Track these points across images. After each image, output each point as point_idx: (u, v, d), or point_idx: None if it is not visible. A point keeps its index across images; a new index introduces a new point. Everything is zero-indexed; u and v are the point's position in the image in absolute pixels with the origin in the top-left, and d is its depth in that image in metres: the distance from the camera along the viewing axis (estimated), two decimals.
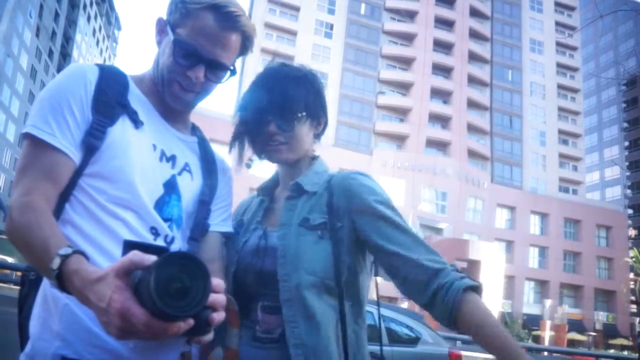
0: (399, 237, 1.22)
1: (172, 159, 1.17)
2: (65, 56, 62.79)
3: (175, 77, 1.14)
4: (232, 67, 1.17)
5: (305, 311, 1.19)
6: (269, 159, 1.37)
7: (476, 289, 1.12)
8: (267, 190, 1.44)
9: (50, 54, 57.71)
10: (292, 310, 1.20)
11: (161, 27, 1.18)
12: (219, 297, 0.79)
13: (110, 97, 1.10)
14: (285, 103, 1.30)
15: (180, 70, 1.13)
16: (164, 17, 1.18)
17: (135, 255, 0.75)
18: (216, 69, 1.15)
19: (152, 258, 0.74)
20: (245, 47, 1.20)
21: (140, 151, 1.10)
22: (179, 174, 1.18)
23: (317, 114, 1.37)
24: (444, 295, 1.12)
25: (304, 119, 1.33)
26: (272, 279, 1.24)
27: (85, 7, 66.96)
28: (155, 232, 1.09)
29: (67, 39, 63.00)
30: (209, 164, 1.26)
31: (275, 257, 1.25)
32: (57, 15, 57.98)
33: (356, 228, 1.25)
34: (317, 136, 1.43)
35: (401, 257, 1.19)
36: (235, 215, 1.46)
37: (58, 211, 1.04)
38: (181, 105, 1.19)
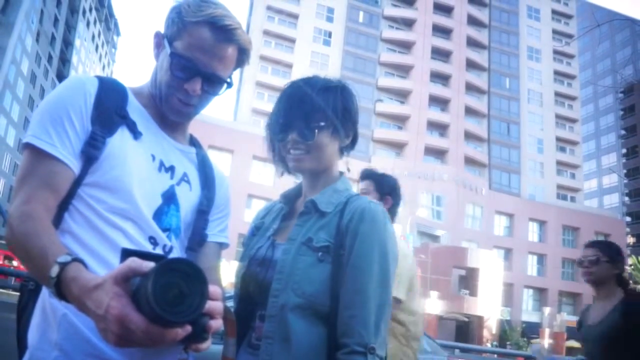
0: (356, 288, 1.20)
1: (170, 169, 1.18)
2: (64, 62, 62.81)
3: (173, 91, 1.15)
4: (228, 80, 1.19)
5: (284, 331, 1.19)
6: (292, 169, 1.37)
7: None
8: (289, 199, 1.43)
9: (50, 59, 57.72)
10: (271, 327, 1.21)
11: (158, 41, 1.19)
12: (216, 305, 0.79)
13: (109, 108, 1.11)
14: (307, 111, 1.30)
15: (178, 83, 1.14)
16: (162, 28, 1.19)
17: (134, 262, 0.75)
18: (213, 81, 1.16)
19: (150, 265, 0.74)
20: (241, 59, 1.21)
21: (139, 161, 1.11)
22: (178, 184, 1.18)
23: (342, 126, 1.34)
24: None
25: (325, 129, 1.32)
26: (267, 291, 1.25)
27: (84, 12, 67.07)
28: (154, 241, 1.10)
29: (67, 45, 63.02)
30: (207, 174, 1.27)
31: (273, 272, 1.26)
32: (56, 20, 58.03)
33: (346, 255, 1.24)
34: (345, 150, 1.41)
35: (349, 304, 1.19)
36: (255, 218, 1.48)
37: (57, 220, 1.05)
38: (179, 117, 1.20)
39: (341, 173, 1.43)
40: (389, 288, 1.24)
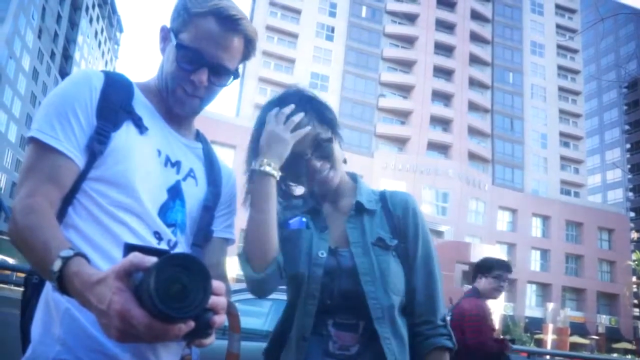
0: (427, 271, 1.37)
1: (176, 164, 1.18)
2: (67, 58, 62.90)
3: (179, 83, 1.14)
4: (235, 71, 1.17)
5: (396, 330, 1.28)
6: (322, 190, 1.38)
7: (449, 349, 1.32)
8: (309, 201, 1.44)
9: (52, 55, 57.78)
10: (384, 328, 1.26)
11: (165, 35, 1.19)
12: (219, 300, 0.78)
13: (115, 103, 1.10)
14: (318, 132, 1.33)
15: (184, 75, 1.13)
16: (166, 23, 1.19)
17: (136, 257, 0.75)
18: (219, 72, 1.15)
19: (152, 260, 0.73)
20: (247, 51, 1.20)
21: (144, 156, 1.10)
22: (184, 179, 1.18)
23: (336, 127, 1.41)
24: (421, 341, 1.33)
25: (334, 139, 1.39)
26: (348, 298, 1.27)
27: (87, 9, 67.09)
28: (158, 236, 1.10)
29: (69, 41, 63.09)
30: (213, 170, 1.26)
31: (353, 277, 1.27)
32: (59, 17, 58.08)
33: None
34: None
35: (424, 288, 1.35)
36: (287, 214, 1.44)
37: (61, 215, 1.04)
38: (186, 111, 1.19)
39: (353, 175, 1.50)
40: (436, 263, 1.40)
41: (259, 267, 1.25)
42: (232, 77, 1.18)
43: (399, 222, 1.36)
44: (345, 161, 1.44)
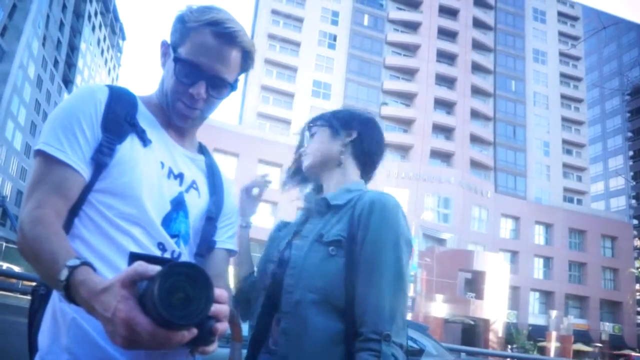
0: (368, 278, 1.23)
1: (179, 176, 1.20)
2: (70, 66, 63.10)
3: (178, 97, 1.17)
4: (233, 83, 1.20)
5: (300, 326, 1.22)
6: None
7: None
8: (310, 199, 1.52)
9: (56, 63, 57.95)
10: (288, 323, 1.24)
11: (165, 50, 1.22)
12: (222, 308, 0.80)
13: (119, 116, 1.13)
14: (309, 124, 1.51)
15: (183, 88, 1.16)
16: (168, 34, 1.22)
17: (140, 265, 0.77)
18: (217, 85, 1.17)
19: (156, 268, 0.75)
20: (246, 63, 1.22)
21: (148, 168, 1.13)
22: (187, 191, 1.20)
23: (339, 123, 1.48)
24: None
25: (318, 128, 1.48)
26: (280, 291, 1.29)
27: (90, 17, 67.37)
28: (162, 247, 1.11)
29: (72, 49, 63.28)
30: (215, 181, 1.28)
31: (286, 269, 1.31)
32: (62, 24, 58.32)
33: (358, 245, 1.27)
34: (358, 157, 1.50)
35: (364, 297, 1.22)
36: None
37: (68, 226, 1.06)
38: (186, 123, 1.21)
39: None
40: (402, 277, 1.24)
41: (235, 281, 1.52)
42: (230, 89, 1.20)
43: (356, 221, 1.27)
44: (340, 163, 1.46)
